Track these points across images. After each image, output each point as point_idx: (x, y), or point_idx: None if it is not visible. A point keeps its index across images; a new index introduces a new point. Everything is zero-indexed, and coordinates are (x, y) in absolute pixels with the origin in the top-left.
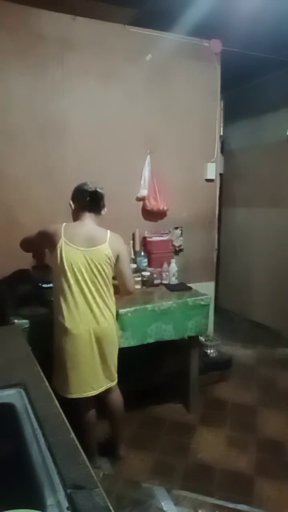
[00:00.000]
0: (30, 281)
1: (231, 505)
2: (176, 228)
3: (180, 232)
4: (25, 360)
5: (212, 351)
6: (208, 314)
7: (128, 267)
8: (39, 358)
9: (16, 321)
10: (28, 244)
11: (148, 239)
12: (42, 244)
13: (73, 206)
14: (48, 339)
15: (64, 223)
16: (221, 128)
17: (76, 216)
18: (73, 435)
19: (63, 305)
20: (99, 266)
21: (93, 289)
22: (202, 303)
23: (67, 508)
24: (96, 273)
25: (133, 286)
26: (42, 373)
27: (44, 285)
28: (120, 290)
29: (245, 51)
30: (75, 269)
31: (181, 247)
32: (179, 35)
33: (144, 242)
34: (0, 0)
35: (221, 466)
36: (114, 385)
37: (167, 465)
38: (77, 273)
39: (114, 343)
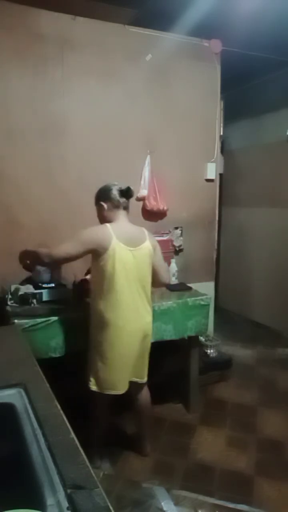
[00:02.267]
0: (30, 281)
1: (231, 505)
2: (176, 228)
3: (180, 232)
4: (25, 360)
5: (212, 351)
6: (208, 314)
7: (162, 259)
8: (39, 358)
9: (16, 321)
10: (63, 261)
11: None
12: (86, 253)
13: (105, 206)
14: (49, 339)
15: (107, 224)
16: (221, 128)
17: (109, 215)
18: (73, 435)
19: (115, 305)
20: (145, 264)
21: (140, 287)
22: (202, 303)
23: (67, 508)
24: (142, 271)
25: (168, 278)
26: (42, 373)
27: (44, 285)
28: (156, 282)
29: (245, 51)
30: (127, 269)
31: (181, 247)
32: (179, 35)
33: None
34: (0, 0)
35: (221, 466)
36: (145, 382)
37: (167, 465)
38: (129, 273)
39: (151, 337)
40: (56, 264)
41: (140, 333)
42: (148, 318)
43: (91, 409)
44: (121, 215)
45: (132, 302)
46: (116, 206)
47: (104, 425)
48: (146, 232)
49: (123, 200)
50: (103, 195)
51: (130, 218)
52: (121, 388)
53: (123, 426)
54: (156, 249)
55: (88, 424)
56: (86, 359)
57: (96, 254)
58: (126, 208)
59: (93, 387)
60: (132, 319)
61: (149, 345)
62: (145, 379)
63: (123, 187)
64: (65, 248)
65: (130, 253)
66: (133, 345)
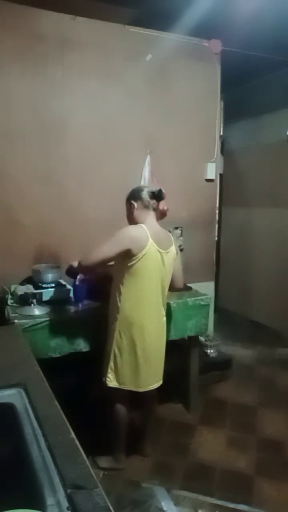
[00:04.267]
0: (30, 281)
1: (231, 505)
2: (176, 228)
3: (180, 232)
4: (25, 360)
5: (212, 351)
6: (208, 314)
7: (181, 264)
8: (39, 358)
9: (16, 321)
10: (98, 266)
11: None
12: (122, 252)
13: (135, 205)
14: (49, 339)
15: (142, 225)
16: (221, 128)
17: (138, 215)
18: (73, 435)
19: (142, 304)
20: (169, 267)
21: (161, 287)
22: (202, 303)
23: (67, 508)
24: (167, 273)
25: (183, 282)
26: (42, 373)
27: (44, 285)
28: (172, 286)
29: (245, 51)
30: (156, 270)
31: (181, 247)
32: (179, 35)
33: None
34: (0, 0)
35: (221, 466)
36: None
37: (167, 465)
38: (156, 274)
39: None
40: (93, 269)
41: (159, 332)
42: (164, 319)
43: (110, 409)
44: (150, 216)
45: (155, 303)
46: (145, 206)
47: (125, 423)
48: (171, 236)
49: (153, 201)
50: (134, 194)
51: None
52: (141, 386)
53: (140, 423)
54: (179, 254)
55: (109, 424)
56: (101, 357)
57: (129, 254)
58: (155, 210)
59: (111, 383)
60: (154, 319)
61: (165, 344)
62: (161, 381)
63: (155, 189)
64: (101, 252)
65: (160, 255)
66: (155, 344)
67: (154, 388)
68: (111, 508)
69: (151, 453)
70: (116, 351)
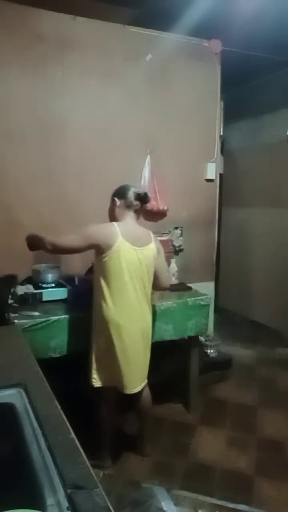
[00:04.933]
0: (30, 281)
1: (231, 505)
2: (176, 228)
3: (180, 232)
4: (25, 360)
5: (212, 351)
6: (208, 314)
7: (165, 263)
8: (39, 358)
9: (16, 321)
10: (65, 251)
11: None
12: (89, 247)
13: (118, 202)
14: (49, 339)
15: (114, 223)
16: (221, 128)
17: (118, 213)
18: (73, 435)
19: (118, 303)
20: (148, 265)
21: (141, 286)
22: (202, 303)
23: (67, 508)
24: (145, 271)
25: (168, 281)
26: (42, 373)
27: (44, 285)
28: (156, 285)
29: (245, 51)
30: (130, 268)
31: (181, 247)
32: (179, 35)
33: None
34: (0, 0)
35: (221, 466)
36: (146, 382)
37: (167, 465)
38: (132, 272)
39: (151, 339)
40: (52, 250)
41: (140, 333)
42: (149, 318)
43: (96, 409)
44: (129, 216)
45: (135, 302)
46: (127, 206)
47: (112, 424)
48: (151, 234)
49: (136, 203)
50: (119, 192)
51: None
52: (127, 387)
53: (122, 426)
54: (160, 252)
55: (92, 424)
56: (87, 357)
57: (99, 250)
58: (136, 211)
59: (97, 383)
60: (133, 319)
61: (149, 345)
62: (146, 381)
63: (141, 191)
64: (68, 240)
65: (135, 252)
66: (135, 344)
67: (137, 390)
68: (111, 508)
69: (151, 453)
70: (98, 352)
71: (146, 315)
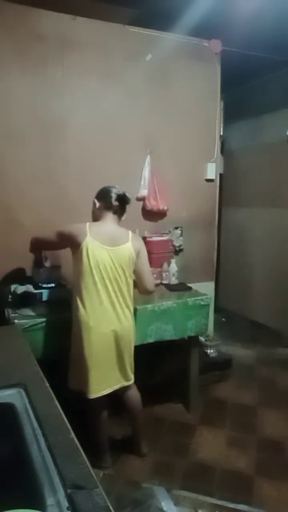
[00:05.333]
0: (30, 281)
1: (231, 505)
2: (176, 228)
3: (180, 232)
4: (25, 360)
5: (212, 351)
6: (208, 314)
7: (147, 265)
8: (39, 358)
9: (16, 321)
10: (42, 244)
11: (148, 239)
12: (61, 244)
13: (97, 204)
14: (49, 339)
15: (88, 223)
16: (221, 128)
17: (98, 215)
18: (73, 435)
19: (88, 303)
20: (122, 265)
21: (116, 287)
22: (202, 303)
23: (67, 508)
24: (120, 272)
25: (151, 285)
26: (42, 373)
27: (44, 285)
28: (139, 288)
29: (245, 51)
30: (101, 267)
31: (181, 247)
32: (179, 35)
33: (144, 242)
34: (0, 0)
35: (221, 466)
36: (132, 383)
37: (167, 465)
38: (102, 272)
39: (132, 342)
40: (36, 247)
41: (112, 336)
42: (125, 322)
43: (87, 410)
44: (108, 217)
45: (106, 303)
46: (106, 207)
47: (105, 426)
48: (131, 235)
49: (116, 204)
50: (100, 193)
51: (129, 218)
52: (93, 391)
53: (122, 426)
54: (140, 253)
55: (89, 424)
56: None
57: (72, 249)
58: (116, 212)
59: (71, 386)
60: (104, 321)
61: (129, 349)
62: (129, 382)
63: (120, 192)
64: (45, 235)
65: (106, 252)
66: (105, 348)
67: (106, 393)
68: (111, 508)
69: (147, 454)
70: (72, 354)
71: (122, 318)
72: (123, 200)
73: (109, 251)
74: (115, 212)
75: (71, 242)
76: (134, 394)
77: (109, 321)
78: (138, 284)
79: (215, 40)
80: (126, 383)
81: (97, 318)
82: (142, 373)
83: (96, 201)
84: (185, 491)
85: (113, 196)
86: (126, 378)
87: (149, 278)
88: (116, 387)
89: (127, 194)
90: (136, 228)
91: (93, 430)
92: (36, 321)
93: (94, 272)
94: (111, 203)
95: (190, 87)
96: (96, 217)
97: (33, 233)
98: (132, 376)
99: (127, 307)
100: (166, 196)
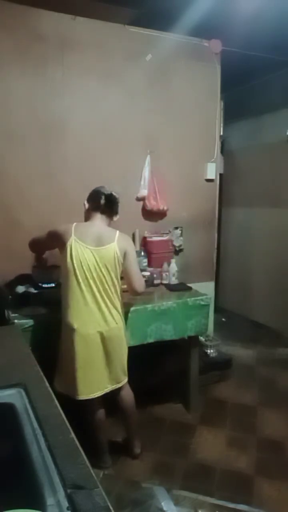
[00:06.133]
0: (30, 281)
1: (231, 505)
2: (176, 228)
3: (180, 232)
4: (25, 360)
5: (212, 351)
6: (208, 314)
7: (135, 266)
8: (39, 358)
9: (16, 321)
10: (37, 244)
11: (148, 239)
12: (51, 244)
13: (86, 206)
14: (49, 339)
15: (75, 223)
16: (221, 128)
17: (88, 216)
18: (73, 435)
19: (72, 304)
20: (108, 265)
21: (101, 288)
22: (202, 303)
23: (67, 508)
24: (105, 272)
25: (140, 286)
26: (42, 373)
27: (44, 285)
28: (128, 289)
29: (245, 51)
30: (84, 268)
31: (181, 247)
32: (179, 35)
33: (144, 242)
34: (0, 0)
35: (221, 466)
36: (124, 384)
37: (167, 465)
38: (86, 272)
39: (122, 344)
40: (33, 248)
41: (98, 337)
42: (112, 323)
43: (83, 414)
44: (96, 217)
45: (91, 304)
46: (94, 208)
47: (102, 426)
48: (117, 235)
49: (102, 203)
50: (89, 195)
51: (130, 218)
52: (81, 393)
53: (122, 426)
54: (127, 253)
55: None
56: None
57: (59, 248)
58: (104, 212)
59: (57, 388)
60: (89, 322)
61: (118, 351)
62: (120, 383)
63: (107, 192)
64: (39, 236)
65: (90, 252)
66: (93, 350)
67: (97, 395)
68: (111, 508)
69: (140, 455)
70: (59, 355)
71: (109, 319)
72: (109, 199)
73: (93, 251)
74: (102, 212)
75: (57, 242)
76: (127, 395)
77: (94, 323)
78: (127, 285)
79: (215, 40)
80: (117, 385)
81: (82, 320)
82: (142, 373)
83: (85, 202)
84: (185, 491)
85: (101, 196)
86: (117, 380)
87: (137, 279)
88: (106, 390)
89: (114, 194)
90: (136, 228)
91: (92, 430)
92: (36, 321)
93: (78, 272)
94: (98, 203)
95: (190, 87)
96: (87, 219)
97: (33, 233)
98: (124, 378)
99: (115, 308)
100: (166, 196)
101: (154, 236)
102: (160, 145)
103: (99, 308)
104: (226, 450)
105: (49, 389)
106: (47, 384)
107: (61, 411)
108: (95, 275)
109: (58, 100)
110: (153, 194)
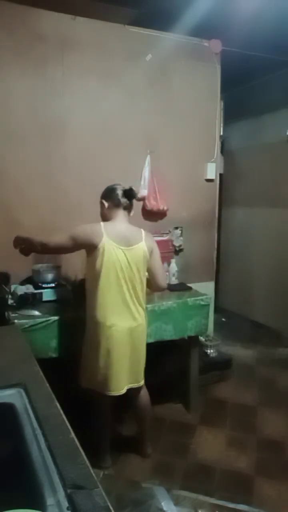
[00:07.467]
0: (30, 281)
1: (231, 505)
2: (176, 228)
3: (180, 232)
4: (25, 360)
5: (212, 351)
6: (208, 314)
7: (160, 263)
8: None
9: (16, 321)
10: (56, 250)
11: None
12: (77, 248)
13: (106, 204)
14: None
15: (101, 222)
16: (221, 128)
17: (108, 214)
18: (73, 435)
19: (103, 304)
20: (138, 265)
21: (130, 286)
22: (202, 303)
23: (67, 508)
24: (135, 271)
25: (164, 282)
26: (42, 373)
27: (44, 285)
28: (152, 286)
29: (245, 51)
30: (117, 268)
31: (181, 247)
32: (179, 35)
33: None
34: (0, 0)
35: (221, 466)
36: (143, 384)
37: (167, 465)
38: (118, 272)
39: (144, 342)
40: (47, 252)
41: (128, 334)
42: (140, 320)
43: (92, 411)
44: (120, 215)
45: (122, 303)
46: (116, 205)
47: (108, 425)
48: (143, 233)
49: (124, 200)
50: (106, 193)
51: (130, 218)
52: (113, 389)
53: (122, 426)
54: (154, 252)
55: (91, 424)
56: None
57: (87, 250)
58: (126, 208)
59: (85, 385)
60: (120, 320)
61: (142, 348)
62: (141, 383)
63: (126, 187)
64: (57, 240)
65: (122, 252)
66: (122, 347)
67: (123, 392)
68: (111, 508)
69: (151, 454)
70: (86, 352)
71: (137, 316)
72: (130, 194)
73: (125, 251)
74: (125, 208)
75: (87, 245)
76: (145, 395)
77: (125, 320)
78: (151, 282)
79: (215, 40)
80: (137, 385)
81: (113, 318)
82: None
83: (104, 201)
84: (185, 491)
85: (120, 192)
86: (137, 378)
87: (163, 275)
88: (128, 387)
89: (133, 188)
90: None
91: (96, 430)
92: (36, 321)
93: (111, 273)
94: (119, 200)
95: (190, 87)
96: (106, 218)
97: (32, 233)
98: (143, 377)
99: (141, 305)
100: (166, 196)
101: (154, 236)
102: (160, 145)
103: (128, 307)
104: (226, 450)
105: (49, 389)
106: (47, 384)
107: (61, 411)
108: (126, 275)
109: (58, 100)
110: (153, 194)
